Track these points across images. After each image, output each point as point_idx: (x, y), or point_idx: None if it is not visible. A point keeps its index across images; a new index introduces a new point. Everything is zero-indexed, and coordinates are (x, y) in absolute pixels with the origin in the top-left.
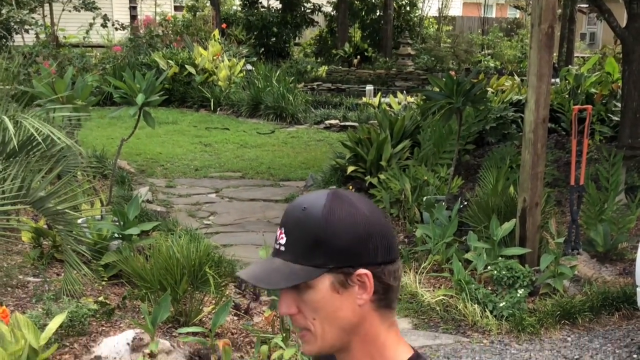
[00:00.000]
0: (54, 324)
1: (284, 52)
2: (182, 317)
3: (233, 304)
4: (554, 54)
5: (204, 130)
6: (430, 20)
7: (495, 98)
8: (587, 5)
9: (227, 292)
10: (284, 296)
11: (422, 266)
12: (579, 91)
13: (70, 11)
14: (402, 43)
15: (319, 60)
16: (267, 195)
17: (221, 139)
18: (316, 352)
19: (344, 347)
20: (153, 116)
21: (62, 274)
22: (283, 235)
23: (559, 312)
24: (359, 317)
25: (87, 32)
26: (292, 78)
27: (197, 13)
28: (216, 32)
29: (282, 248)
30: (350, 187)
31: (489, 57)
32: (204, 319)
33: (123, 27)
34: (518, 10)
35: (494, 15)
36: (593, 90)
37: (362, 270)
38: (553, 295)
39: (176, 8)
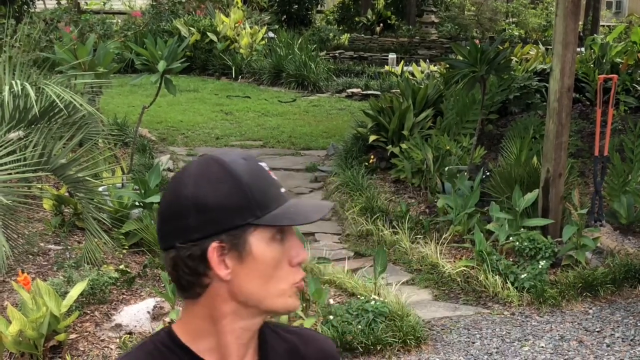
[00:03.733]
0: (75, 292)
1: (306, 20)
2: None
3: None
4: (580, 23)
5: (225, 98)
6: None
7: (519, 67)
8: None
9: None
10: (299, 243)
11: (443, 237)
12: (604, 61)
13: None
14: (426, 11)
15: (341, 28)
16: (288, 164)
17: (242, 107)
18: None
19: None
20: (174, 84)
21: (83, 242)
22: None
23: (580, 284)
24: None
25: None
26: (314, 46)
27: None
28: None
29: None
30: (372, 157)
31: (513, 25)
32: None
33: None
34: None
35: None
36: (618, 59)
37: None
38: (575, 267)
39: None
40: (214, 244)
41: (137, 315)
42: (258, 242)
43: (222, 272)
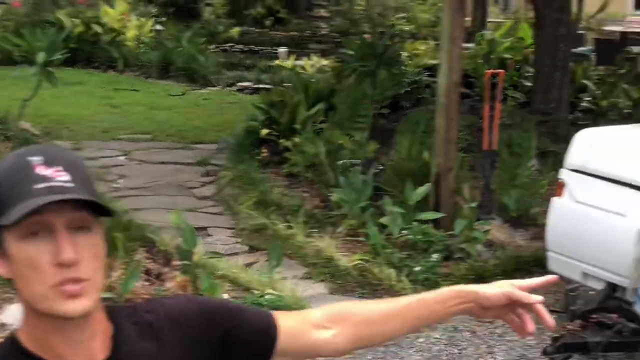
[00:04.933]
0: None
1: (195, 12)
2: None
3: (143, 268)
4: (468, 19)
5: (112, 91)
6: None
7: (409, 62)
8: None
9: (137, 257)
10: (66, 238)
11: (338, 230)
12: (492, 56)
13: None
14: (316, 5)
15: (231, 21)
16: (178, 158)
17: (130, 101)
18: (91, 307)
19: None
20: (57, 76)
21: None
22: (64, 173)
23: (472, 276)
24: None
25: None
26: (204, 39)
27: None
28: None
29: (71, 184)
30: (265, 151)
31: (404, 20)
32: (113, 284)
33: None
34: None
35: None
36: (507, 55)
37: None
38: (467, 259)
39: None
40: None
41: (21, 313)
42: (12, 241)
43: (0, 269)
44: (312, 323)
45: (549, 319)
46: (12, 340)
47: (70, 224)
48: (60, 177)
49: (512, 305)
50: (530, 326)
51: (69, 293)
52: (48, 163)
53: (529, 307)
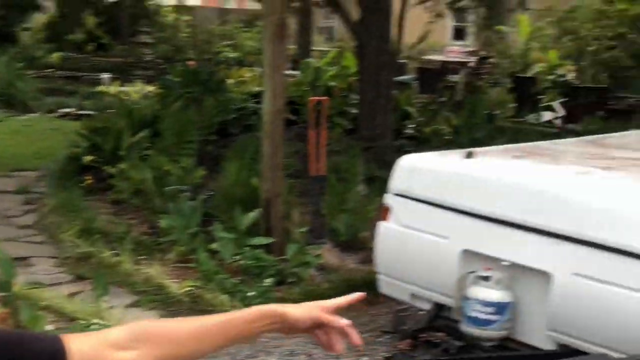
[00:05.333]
0: None
1: (12, 37)
2: None
3: None
4: (293, 47)
5: None
6: (168, 9)
7: (236, 89)
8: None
9: None
10: None
11: (167, 257)
12: (318, 84)
13: None
14: (140, 31)
15: (51, 46)
16: None
17: None
18: None
19: None
20: None
21: None
22: None
23: (306, 300)
24: None
25: None
26: (22, 64)
27: None
28: None
29: None
30: (89, 178)
31: (229, 48)
32: None
33: None
34: (257, 2)
35: (234, 7)
36: (332, 83)
37: None
38: (300, 283)
39: None
40: None
41: None
42: None
43: None
44: (111, 344)
45: (356, 339)
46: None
47: None
48: None
49: (320, 325)
50: (338, 346)
51: None
52: None
53: (337, 327)
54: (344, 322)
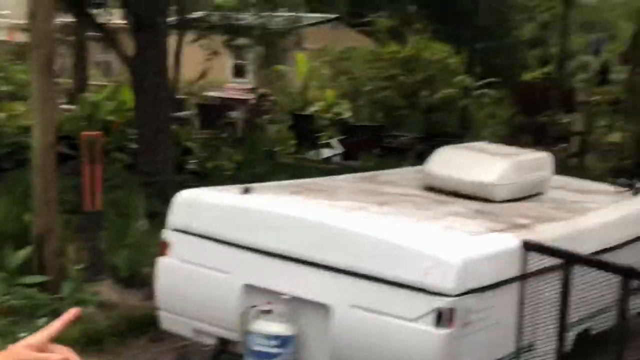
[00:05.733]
0: None
1: None
2: None
3: None
4: (70, 80)
5: None
6: None
7: (9, 122)
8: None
9: None
10: None
11: None
12: (96, 118)
13: None
14: None
15: None
16: None
17: None
18: None
19: None
20: None
21: None
22: None
23: (85, 339)
24: None
25: None
26: None
27: None
28: None
29: None
30: None
31: (1, 80)
32: None
33: None
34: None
35: (4, 38)
36: (111, 117)
37: None
38: (78, 322)
39: None
40: None
41: None
42: None
43: None
44: None
45: None
46: None
47: None
48: None
49: None
50: None
51: None
52: None
53: None
54: (59, 353)
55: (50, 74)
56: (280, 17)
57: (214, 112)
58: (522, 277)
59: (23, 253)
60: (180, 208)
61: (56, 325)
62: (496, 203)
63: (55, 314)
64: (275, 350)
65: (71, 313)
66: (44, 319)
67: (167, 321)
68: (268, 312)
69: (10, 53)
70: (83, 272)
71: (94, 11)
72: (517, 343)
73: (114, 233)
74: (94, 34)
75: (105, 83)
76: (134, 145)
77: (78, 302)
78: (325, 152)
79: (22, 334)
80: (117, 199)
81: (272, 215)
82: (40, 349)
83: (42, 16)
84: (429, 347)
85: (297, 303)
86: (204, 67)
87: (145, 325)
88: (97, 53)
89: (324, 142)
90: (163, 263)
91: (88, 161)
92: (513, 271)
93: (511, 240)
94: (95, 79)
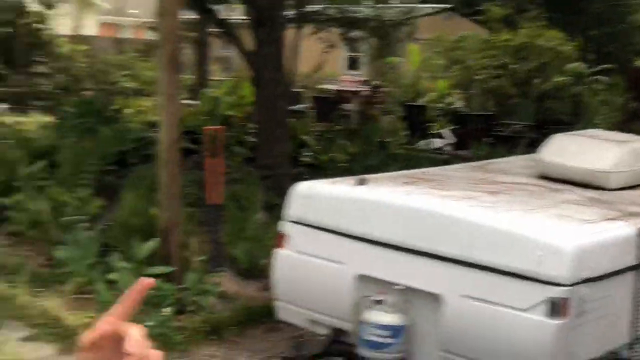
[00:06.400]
0: None
1: None
2: None
3: None
4: (192, 76)
5: None
6: (64, 39)
7: (135, 119)
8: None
9: None
10: None
11: (65, 289)
12: (217, 113)
13: None
14: (36, 61)
15: None
16: None
17: None
18: None
19: None
20: None
21: None
22: None
23: (206, 329)
24: None
25: None
26: None
27: None
28: None
29: None
30: None
31: (127, 77)
32: None
33: None
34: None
35: (131, 36)
36: (230, 112)
37: None
38: (200, 312)
39: None
40: None
41: None
42: None
43: None
44: None
45: None
46: None
47: None
48: None
49: None
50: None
51: None
52: None
53: None
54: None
55: (176, 71)
56: (395, 8)
57: (329, 104)
58: (638, 266)
59: (149, 245)
60: (296, 200)
61: (129, 295)
62: (610, 191)
63: (179, 304)
64: (387, 340)
65: (143, 283)
66: (168, 309)
67: (283, 311)
68: (381, 302)
69: (137, 51)
70: (205, 264)
71: (216, 8)
72: (631, 334)
73: (234, 226)
74: (215, 30)
75: (224, 78)
76: (252, 139)
77: (200, 293)
78: (437, 142)
79: (148, 323)
80: (236, 192)
81: (386, 206)
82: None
83: (169, 14)
84: (542, 337)
85: (409, 293)
86: (319, 60)
87: (262, 315)
88: (217, 49)
89: (435, 132)
90: (280, 254)
91: (210, 155)
92: (628, 260)
93: (626, 229)
94: (216, 74)
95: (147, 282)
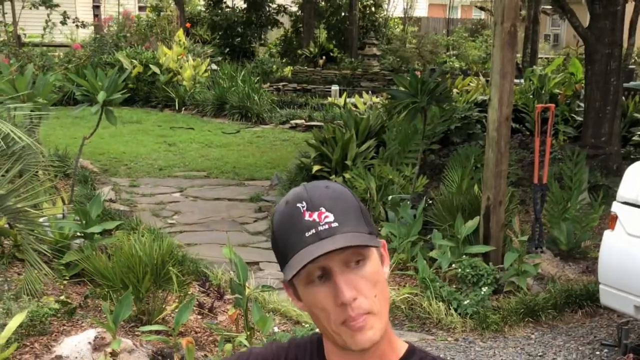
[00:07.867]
0: (13, 324)
1: (249, 52)
2: (145, 315)
3: (196, 302)
4: (518, 55)
5: (168, 129)
6: (396, 20)
7: (460, 98)
8: (550, 7)
9: (191, 291)
10: (342, 278)
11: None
12: (543, 92)
13: (30, 8)
14: (368, 43)
15: (284, 60)
16: (232, 194)
17: (186, 139)
18: (379, 337)
19: None
20: (116, 115)
21: (23, 274)
22: (327, 214)
23: (522, 310)
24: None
25: (44, 29)
26: (257, 78)
27: (162, 13)
28: (180, 31)
29: (335, 224)
30: None
31: (454, 57)
32: (167, 317)
33: (83, 25)
34: (482, 12)
35: (459, 17)
36: (557, 90)
37: (383, 240)
38: (517, 293)
39: (140, 8)
40: (285, 283)
41: (78, 346)
42: (299, 286)
43: (298, 304)
44: None
45: None
46: (319, 341)
47: (346, 262)
48: (326, 219)
49: None
50: None
51: (354, 328)
52: (311, 208)
53: None
54: None
55: (512, 49)
56: None
57: None
58: None
59: (471, 224)
60: (631, 181)
61: None
62: None
63: (496, 284)
64: None
65: None
66: (485, 289)
67: (607, 296)
68: None
69: (465, 30)
70: (524, 244)
71: None
72: None
73: (556, 206)
74: (548, 7)
75: (552, 56)
76: (579, 118)
77: (518, 273)
78: None
79: (465, 302)
80: (559, 172)
81: None
82: None
83: None
84: None
85: None
86: None
87: (582, 299)
88: (547, 26)
89: None
90: (609, 236)
91: (539, 134)
92: None
93: None
94: (543, 52)
95: None
